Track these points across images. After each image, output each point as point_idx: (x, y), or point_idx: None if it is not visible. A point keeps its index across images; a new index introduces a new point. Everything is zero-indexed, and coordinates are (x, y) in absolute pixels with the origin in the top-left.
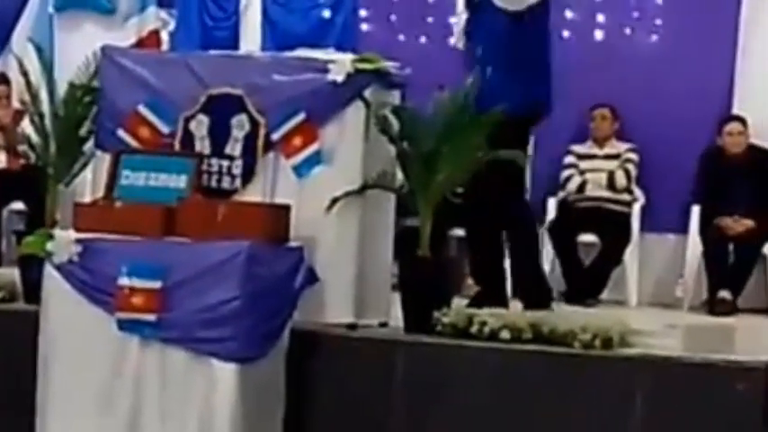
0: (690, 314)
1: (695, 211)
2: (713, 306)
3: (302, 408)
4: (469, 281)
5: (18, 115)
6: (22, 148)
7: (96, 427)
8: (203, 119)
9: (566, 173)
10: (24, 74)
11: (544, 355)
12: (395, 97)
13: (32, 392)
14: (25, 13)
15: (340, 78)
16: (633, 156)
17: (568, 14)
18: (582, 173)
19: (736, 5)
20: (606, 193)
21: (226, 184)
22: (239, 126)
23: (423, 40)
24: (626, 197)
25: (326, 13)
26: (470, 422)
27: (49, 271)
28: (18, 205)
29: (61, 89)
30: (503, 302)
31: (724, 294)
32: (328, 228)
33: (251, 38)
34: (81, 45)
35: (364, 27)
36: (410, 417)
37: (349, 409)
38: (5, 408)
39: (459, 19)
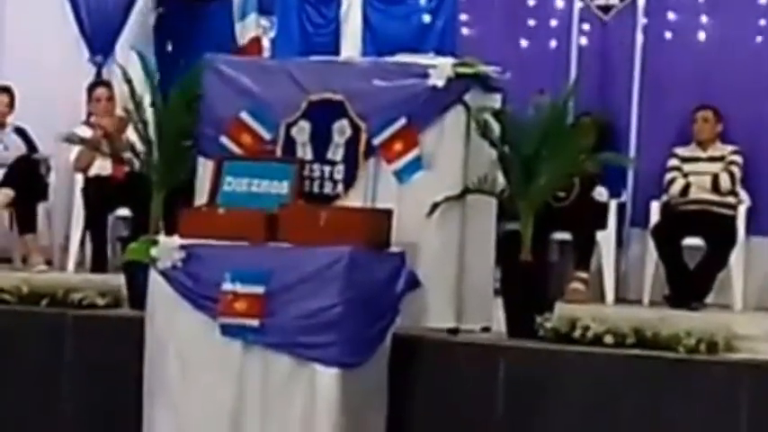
0: None
1: None
2: None
3: (405, 412)
4: (572, 285)
5: (122, 123)
6: (127, 155)
7: (201, 430)
8: (305, 125)
9: (669, 176)
10: (128, 81)
11: (648, 360)
12: (495, 101)
13: (139, 397)
14: (129, 22)
15: (440, 83)
16: (737, 158)
17: (671, 16)
18: (685, 175)
19: None
20: (711, 196)
21: (327, 189)
22: (340, 131)
23: (523, 43)
24: (731, 200)
25: (426, 18)
26: (572, 427)
27: (154, 277)
28: (123, 212)
29: None
30: None
31: None
32: (430, 233)
33: (351, 43)
34: None
35: (464, 31)
36: (512, 422)
37: (451, 413)
38: (113, 413)
39: None
